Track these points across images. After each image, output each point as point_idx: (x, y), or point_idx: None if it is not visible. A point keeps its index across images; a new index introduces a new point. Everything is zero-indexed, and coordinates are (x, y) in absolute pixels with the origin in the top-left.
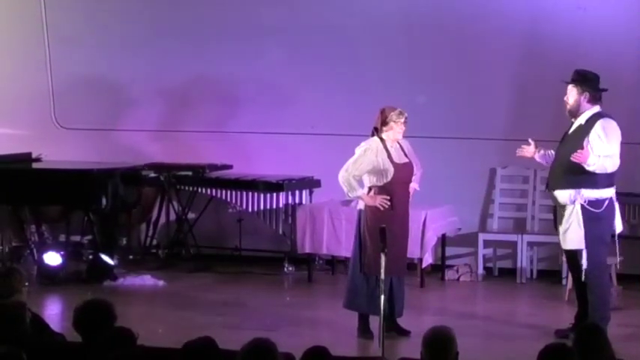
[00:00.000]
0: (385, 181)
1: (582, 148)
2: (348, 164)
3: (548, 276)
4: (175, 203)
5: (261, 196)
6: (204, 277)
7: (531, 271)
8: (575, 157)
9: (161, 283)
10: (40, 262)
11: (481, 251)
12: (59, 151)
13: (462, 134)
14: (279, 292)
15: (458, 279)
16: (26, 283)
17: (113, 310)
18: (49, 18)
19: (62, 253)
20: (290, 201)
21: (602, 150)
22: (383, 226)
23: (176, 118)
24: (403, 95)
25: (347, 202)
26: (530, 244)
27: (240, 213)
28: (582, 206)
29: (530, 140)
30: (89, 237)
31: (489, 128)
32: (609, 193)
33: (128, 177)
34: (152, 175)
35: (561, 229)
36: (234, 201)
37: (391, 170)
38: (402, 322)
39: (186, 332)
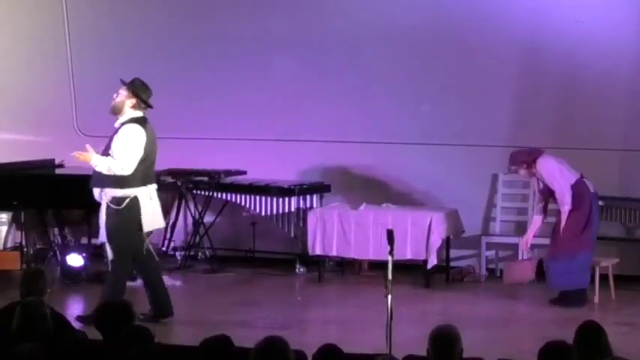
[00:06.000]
0: None
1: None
2: None
3: None
4: (192, 207)
5: (274, 200)
6: (220, 278)
7: None
8: (77, 157)
9: (178, 283)
10: (63, 263)
11: (484, 253)
12: None
13: (465, 141)
14: (291, 292)
15: (462, 280)
16: (48, 290)
17: (132, 310)
18: (71, 26)
19: (84, 254)
20: (301, 205)
21: (116, 153)
22: (390, 229)
23: (193, 126)
24: (409, 104)
25: (355, 207)
26: (531, 246)
27: (253, 217)
28: (107, 203)
29: (87, 146)
30: None
31: (492, 135)
32: (132, 192)
33: None
34: (170, 180)
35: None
36: (248, 205)
37: None
38: (407, 321)
39: (202, 330)
